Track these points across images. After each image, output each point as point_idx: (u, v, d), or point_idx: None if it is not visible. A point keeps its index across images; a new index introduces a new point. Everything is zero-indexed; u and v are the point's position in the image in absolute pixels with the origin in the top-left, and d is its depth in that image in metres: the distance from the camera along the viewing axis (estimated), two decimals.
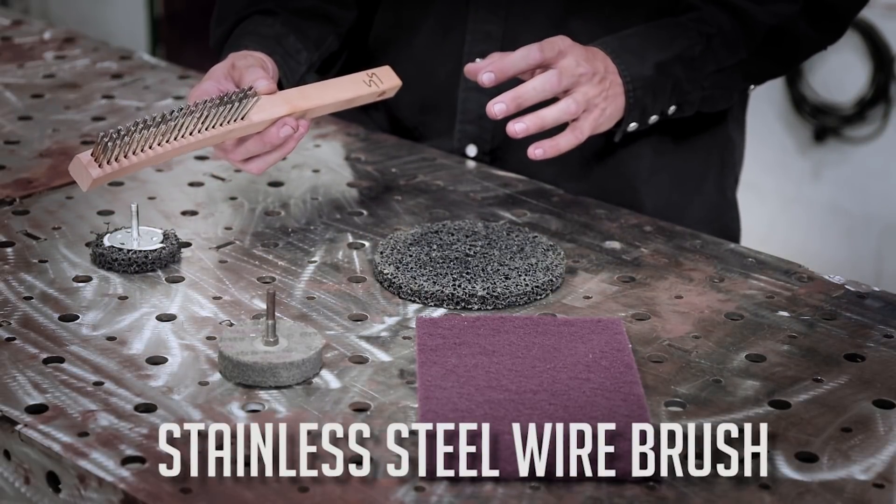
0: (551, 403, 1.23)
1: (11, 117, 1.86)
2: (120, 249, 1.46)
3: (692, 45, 1.64)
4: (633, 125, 1.64)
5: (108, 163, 1.39)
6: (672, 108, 1.67)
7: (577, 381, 1.26)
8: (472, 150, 1.79)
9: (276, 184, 1.68)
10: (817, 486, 1.14)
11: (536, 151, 1.55)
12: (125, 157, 1.40)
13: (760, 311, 1.43)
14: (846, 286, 1.49)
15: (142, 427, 1.19)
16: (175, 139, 1.43)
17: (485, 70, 1.53)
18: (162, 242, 1.48)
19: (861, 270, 3.47)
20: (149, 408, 1.22)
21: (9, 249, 1.50)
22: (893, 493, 1.14)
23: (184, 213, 1.60)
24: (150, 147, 1.41)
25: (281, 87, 1.63)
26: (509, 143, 1.78)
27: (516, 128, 1.52)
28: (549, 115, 1.54)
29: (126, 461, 1.14)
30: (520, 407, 1.22)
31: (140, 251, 1.46)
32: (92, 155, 1.38)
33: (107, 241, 1.48)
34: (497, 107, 1.52)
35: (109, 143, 1.37)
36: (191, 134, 1.44)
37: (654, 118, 1.66)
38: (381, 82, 1.62)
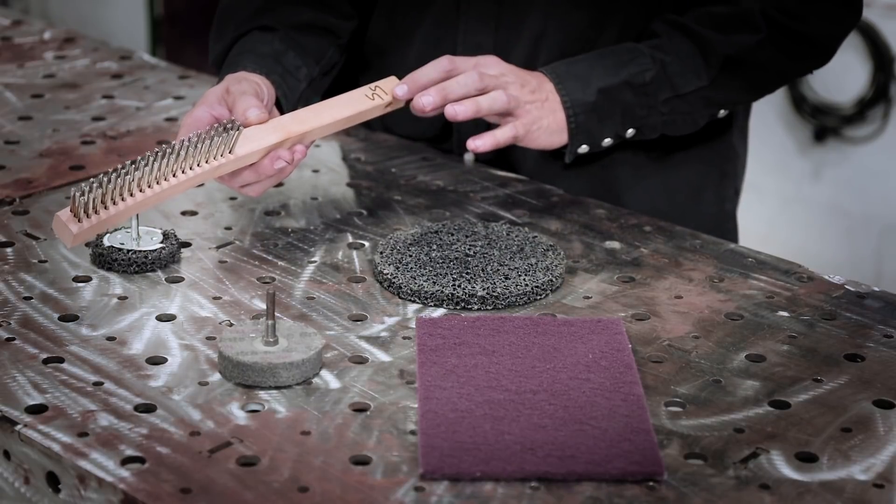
0: (551, 403, 1.23)
1: (11, 117, 1.86)
2: (120, 249, 1.46)
3: (643, 72, 1.65)
4: (583, 147, 1.66)
5: (87, 216, 1.38)
6: (630, 132, 1.68)
7: (577, 381, 1.26)
8: (469, 157, 1.79)
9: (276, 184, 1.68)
10: (817, 486, 1.14)
11: (476, 143, 1.58)
12: (105, 207, 1.38)
13: (760, 311, 1.43)
14: (846, 286, 1.49)
15: (142, 427, 1.19)
16: (157, 183, 1.41)
17: (399, 83, 1.58)
18: (162, 242, 1.48)
19: (861, 270, 3.47)
20: (149, 408, 1.22)
21: (9, 249, 1.50)
22: (893, 493, 1.14)
23: (184, 213, 1.60)
24: (131, 194, 1.40)
25: (279, 105, 1.62)
26: (505, 150, 1.78)
27: (456, 109, 1.55)
28: (483, 102, 1.56)
29: (126, 461, 1.14)
30: (520, 407, 1.22)
31: (140, 251, 1.46)
32: (70, 211, 1.38)
33: (107, 241, 1.48)
34: (425, 98, 1.56)
35: (81, 197, 1.36)
36: (174, 175, 1.42)
37: (608, 141, 1.67)
38: (385, 94, 1.58)
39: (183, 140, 1.41)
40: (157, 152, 1.40)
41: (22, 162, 1.72)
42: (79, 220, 1.38)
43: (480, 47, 1.73)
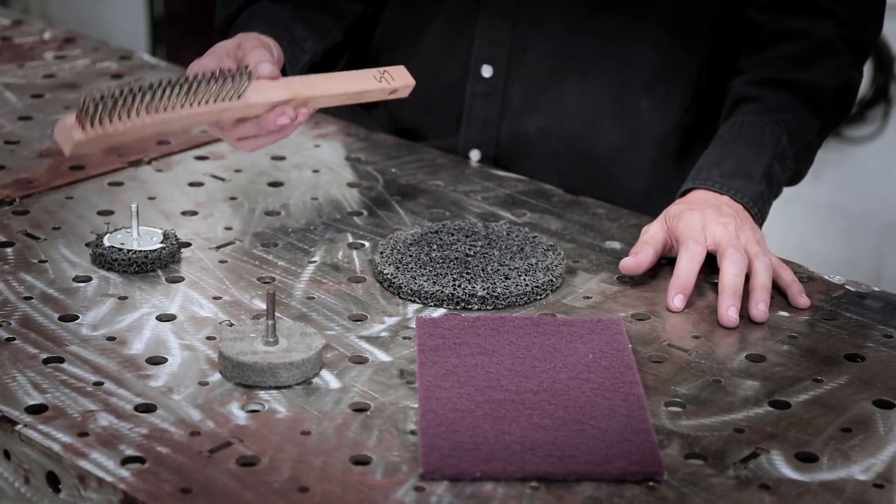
0: (551, 403, 1.23)
1: (11, 117, 1.86)
2: (120, 249, 1.46)
3: (778, 139, 1.59)
4: None
5: (91, 126, 1.36)
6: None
7: (577, 381, 1.26)
8: (475, 155, 1.79)
9: (276, 184, 1.68)
10: (817, 486, 1.14)
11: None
12: (109, 122, 1.37)
13: None
14: (846, 286, 1.49)
15: (142, 427, 1.19)
16: (165, 110, 1.40)
17: (673, 297, 1.42)
18: (162, 242, 1.48)
19: (861, 270, 3.47)
20: (149, 408, 1.22)
21: (9, 249, 1.50)
22: (893, 493, 1.14)
23: (184, 213, 1.60)
24: (137, 115, 1.39)
25: (284, 73, 1.62)
26: (512, 149, 1.78)
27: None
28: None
29: (126, 461, 1.14)
30: (520, 407, 1.22)
31: (140, 251, 1.46)
32: (76, 118, 1.37)
33: (107, 241, 1.48)
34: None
35: (91, 107, 1.35)
36: (182, 107, 1.41)
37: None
38: (392, 80, 1.59)
39: (197, 75, 1.42)
40: (170, 81, 1.40)
41: (22, 162, 1.72)
42: (83, 129, 1.37)
43: (498, 42, 1.73)
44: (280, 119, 1.48)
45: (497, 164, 1.78)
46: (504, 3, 1.73)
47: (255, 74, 1.46)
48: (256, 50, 1.52)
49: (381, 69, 1.59)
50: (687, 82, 1.75)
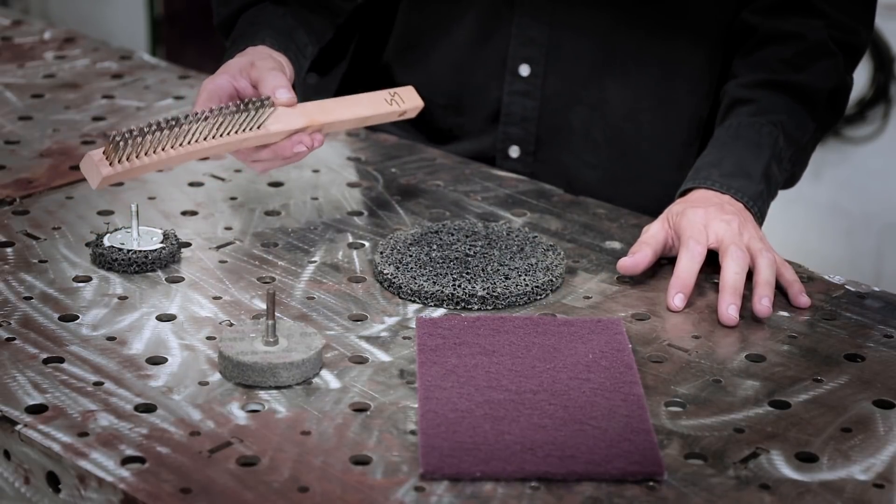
0: (551, 403, 1.23)
1: (11, 117, 1.86)
2: (120, 249, 1.46)
3: (776, 140, 1.59)
4: None
5: (118, 162, 1.39)
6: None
7: (577, 381, 1.26)
8: (514, 151, 1.79)
9: (276, 184, 1.68)
10: (817, 486, 1.14)
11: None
12: (136, 157, 1.40)
13: None
14: (846, 286, 1.49)
15: (142, 427, 1.19)
16: (188, 143, 1.43)
17: (673, 297, 1.42)
18: (162, 242, 1.48)
19: (861, 270, 3.47)
20: (149, 408, 1.22)
21: (9, 249, 1.50)
22: (893, 493, 1.14)
23: (184, 213, 1.60)
24: (163, 149, 1.41)
25: (294, 87, 1.62)
26: (552, 143, 1.78)
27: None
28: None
29: (126, 461, 1.14)
30: (520, 407, 1.22)
31: (140, 251, 1.46)
32: (103, 153, 1.39)
33: (107, 241, 1.48)
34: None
35: (121, 143, 1.37)
36: (204, 139, 1.44)
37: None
38: (402, 102, 1.60)
39: (222, 108, 1.44)
40: (196, 115, 1.42)
41: (22, 162, 1.72)
42: (110, 164, 1.38)
43: (534, 41, 1.73)
44: (297, 147, 1.49)
45: (536, 160, 1.78)
46: (538, 2, 1.72)
47: (273, 102, 1.48)
48: (273, 74, 1.51)
49: (392, 91, 1.60)
50: (717, 79, 1.75)
